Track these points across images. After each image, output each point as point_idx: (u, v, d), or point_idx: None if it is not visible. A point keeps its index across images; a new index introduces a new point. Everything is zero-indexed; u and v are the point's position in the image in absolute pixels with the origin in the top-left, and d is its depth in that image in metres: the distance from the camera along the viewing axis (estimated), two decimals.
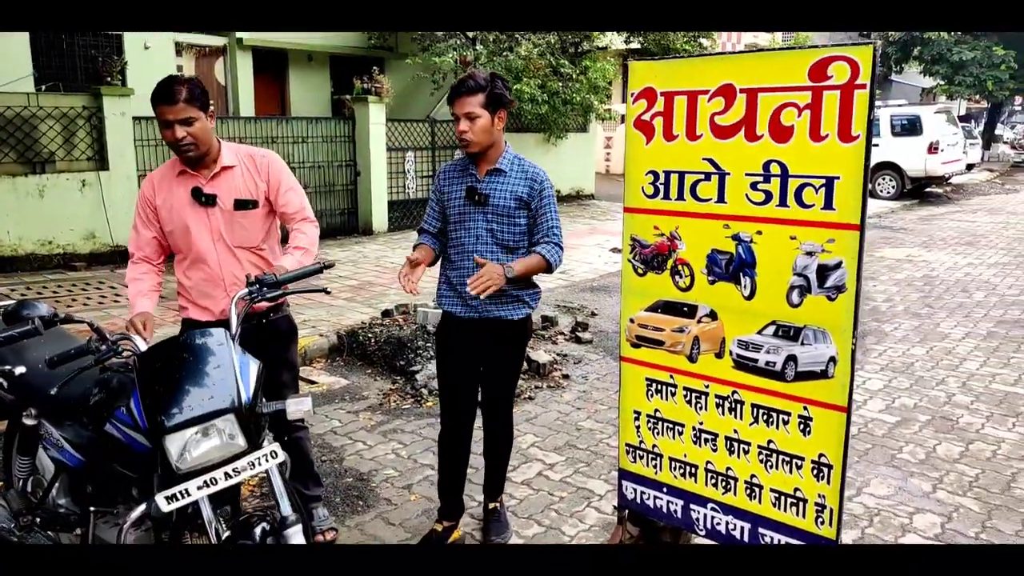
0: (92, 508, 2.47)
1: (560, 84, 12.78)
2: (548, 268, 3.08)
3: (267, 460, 2.22)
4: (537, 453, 4.23)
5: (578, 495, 3.76)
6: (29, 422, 2.56)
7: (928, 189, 17.81)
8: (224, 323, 2.51)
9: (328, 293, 2.95)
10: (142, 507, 2.18)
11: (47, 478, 2.62)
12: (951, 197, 17.97)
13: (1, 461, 3.00)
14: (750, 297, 2.65)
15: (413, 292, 2.96)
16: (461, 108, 2.93)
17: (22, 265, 8.44)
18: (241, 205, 2.96)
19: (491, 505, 3.44)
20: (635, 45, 15.32)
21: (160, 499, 2.08)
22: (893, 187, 16.68)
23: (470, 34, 12.64)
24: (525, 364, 5.41)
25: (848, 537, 3.31)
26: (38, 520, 2.62)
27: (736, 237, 2.65)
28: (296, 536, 2.22)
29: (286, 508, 2.25)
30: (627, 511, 3.22)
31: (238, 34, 12.99)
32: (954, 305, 7.59)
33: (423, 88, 13.63)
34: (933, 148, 16.06)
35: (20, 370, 2.22)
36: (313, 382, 5.36)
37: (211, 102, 2.90)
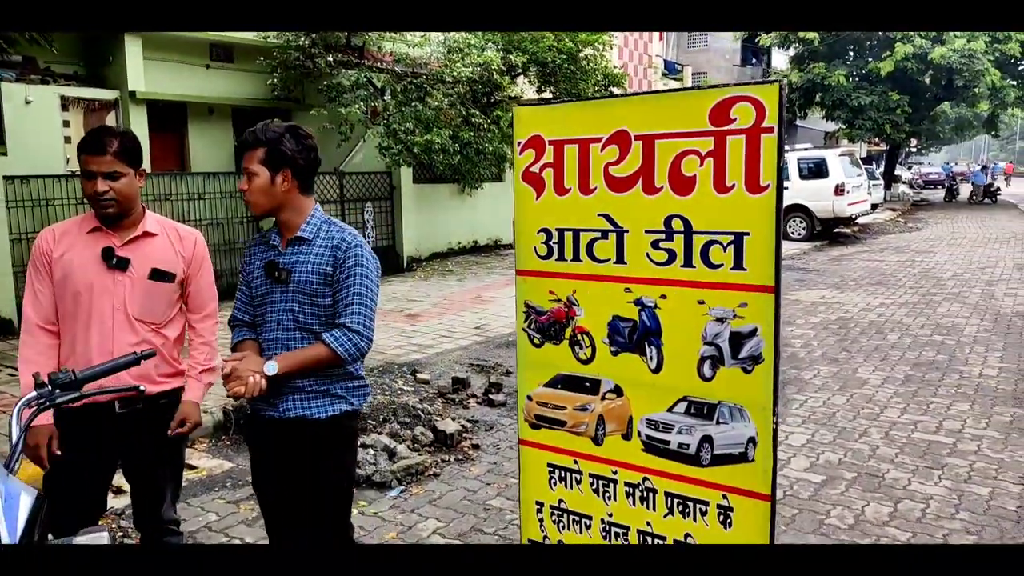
0: None
1: (472, 134, 12.61)
2: (336, 360, 2.42)
3: None
4: (439, 542, 3.77)
5: None
6: None
7: (837, 230, 18.36)
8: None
9: (142, 393, 2.43)
10: None
11: None
12: (859, 237, 18.57)
13: None
14: (657, 370, 2.33)
15: (251, 394, 2.37)
16: (244, 163, 2.47)
17: None
18: (158, 275, 2.72)
19: None
20: (547, 95, 15.37)
21: None
22: (804, 229, 17.11)
23: (378, 84, 12.37)
24: (431, 435, 4.98)
25: None
26: None
27: (639, 302, 2.34)
28: None
29: None
30: None
31: (131, 87, 12.36)
32: (870, 348, 7.56)
33: (331, 140, 13.20)
34: (839, 190, 16.59)
35: None
36: (193, 467, 4.77)
37: (143, 162, 2.68)
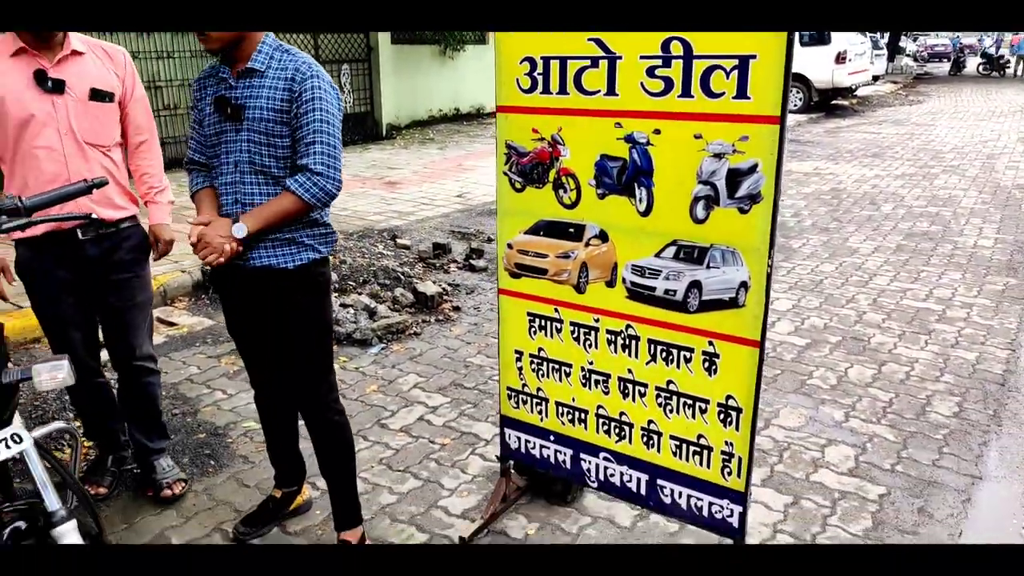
0: None
1: None
2: (305, 208, 2.22)
3: (7, 446, 1.67)
4: (419, 395, 3.74)
5: (462, 441, 3.32)
6: None
7: (835, 101, 17.84)
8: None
9: (87, 220, 2.28)
10: None
11: None
12: (857, 109, 18.07)
13: None
14: (646, 213, 2.17)
15: (226, 259, 2.19)
16: None
17: None
18: (97, 95, 2.58)
19: (343, 535, 2.59)
20: None
21: None
22: (800, 99, 16.58)
23: None
24: (411, 297, 4.89)
25: (757, 476, 3.00)
26: None
27: (630, 138, 2.15)
28: (68, 535, 1.72)
29: (51, 502, 1.73)
30: (512, 461, 2.79)
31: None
32: (863, 218, 7.43)
33: None
34: (841, 58, 15.96)
35: None
36: (173, 324, 4.69)
37: None
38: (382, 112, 12.41)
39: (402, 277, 5.24)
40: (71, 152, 2.52)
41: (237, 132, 2.24)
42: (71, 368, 1.75)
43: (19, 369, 1.73)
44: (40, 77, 2.45)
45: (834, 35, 15.96)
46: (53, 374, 1.73)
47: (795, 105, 16.58)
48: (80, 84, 2.53)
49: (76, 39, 2.56)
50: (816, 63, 16.04)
